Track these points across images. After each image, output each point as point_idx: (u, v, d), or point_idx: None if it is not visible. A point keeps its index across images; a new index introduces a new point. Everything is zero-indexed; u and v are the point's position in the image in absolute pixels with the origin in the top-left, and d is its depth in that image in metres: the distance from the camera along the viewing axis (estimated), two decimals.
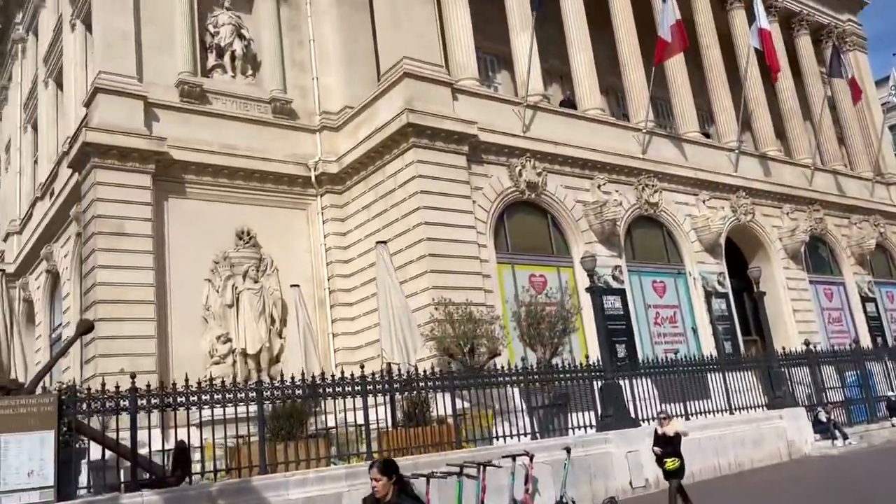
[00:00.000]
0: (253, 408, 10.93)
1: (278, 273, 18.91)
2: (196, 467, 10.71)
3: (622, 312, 20.45)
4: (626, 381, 15.24)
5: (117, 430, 9.74)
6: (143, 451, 10.47)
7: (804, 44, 30.95)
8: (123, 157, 17.25)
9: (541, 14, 20.03)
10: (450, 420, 12.60)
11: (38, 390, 9.99)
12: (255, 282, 18.40)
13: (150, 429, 9.94)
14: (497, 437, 13.12)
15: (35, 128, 26.63)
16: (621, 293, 20.65)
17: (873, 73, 35.31)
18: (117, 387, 9.79)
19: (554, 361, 15.75)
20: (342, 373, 12.29)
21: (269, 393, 11.08)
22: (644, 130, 22.67)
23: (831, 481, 14.42)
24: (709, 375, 17.36)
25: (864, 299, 28.20)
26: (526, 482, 11.67)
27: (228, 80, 20.19)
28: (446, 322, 15.66)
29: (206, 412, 10.80)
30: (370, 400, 11.90)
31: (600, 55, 22.92)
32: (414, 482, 9.80)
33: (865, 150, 31.54)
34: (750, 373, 18.53)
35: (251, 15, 21.07)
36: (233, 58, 20.32)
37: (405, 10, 19.22)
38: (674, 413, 15.58)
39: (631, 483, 13.62)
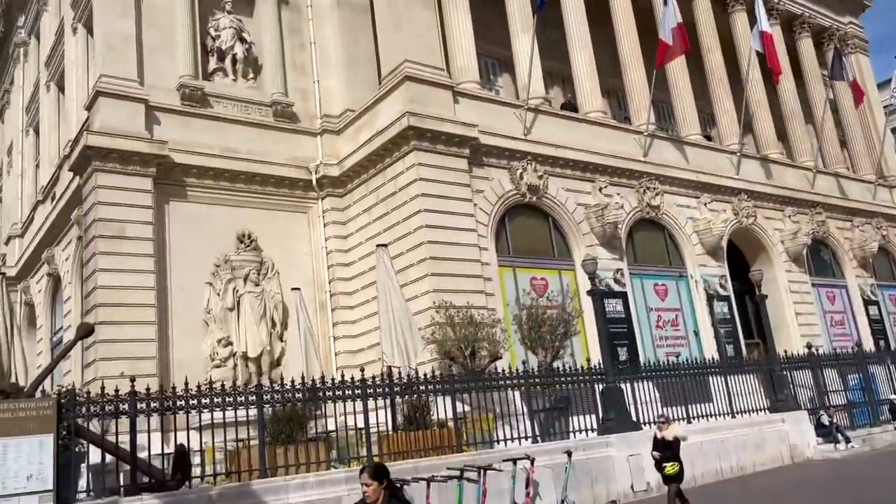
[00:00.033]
0: (253, 411, 10.91)
1: (279, 276, 18.91)
2: (197, 471, 10.70)
3: (624, 315, 20.40)
4: (628, 385, 15.22)
5: (116, 434, 9.72)
6: (143, 454, 10.45)
7: (806, 46, 30.92)
8: (124, 161, 17.26)
9: (542, 17, 20.03)
10: (450, 423, 12.58)
11: (38, 394, 9.95)
12: (256, 285, 18.39)
13: (149, 432, 9.92)
14: (498, 441, 13.10)
15: (37, 131, 26.67)
16: (623, 296, 20.60)
17: (875, 76, 35.28)
18: (116, 390, 9.78)
19: (555, 365, 15.69)
20: (342, 376, 12.27)
21: (268, 396, 11.07)
22: (645, 133, 22.65)
23: (834, 485, 14.37)
24: (710, 379, 17.32)
25: (867, 302, 28.14)
26: (527, 486, 11.64)
27: (229, 83, 20.20)
28: (447, 325, 15.63)
29: (207, 416, 10.77)
30: (370, 403, 11.88)
31: (601, 58, 22.90)
32: (410, 486, 9.80)
33: (867, 153, 31.49)
34: (752, 376, 18.49)
35: (252, 18, 21.08)
36: (234, 61, 20.32)
37: (406, 13, 19.22)
38: (675, 416, 15.61)
39: (632, 487, 13.57)
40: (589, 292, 16.30)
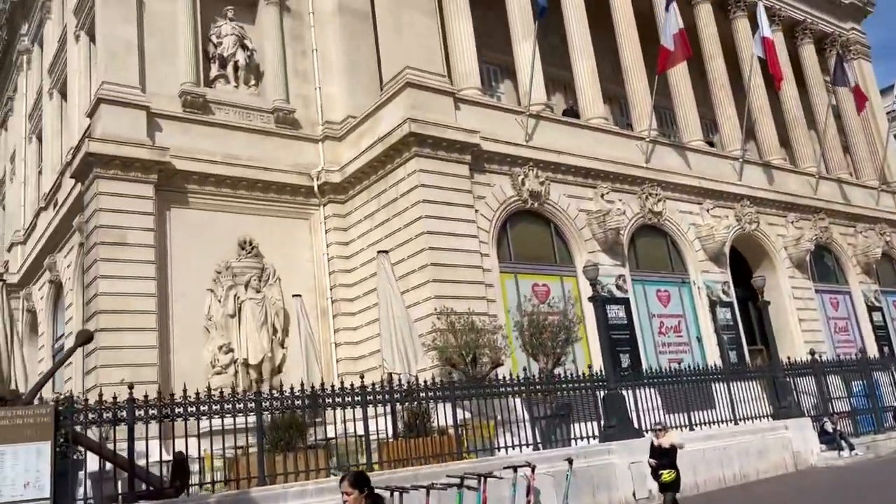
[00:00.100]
0: (252, 418, 10.87)
1: (280, 283, 18.89)
2: (197, 478, 10.66)
3: (626, 322, 20.34)
4: (630, 392, 15.14)
5: (114, 441, 9.69)
6: (143, 462, 10.41)
7: (808, 52, 30.89)
8: (126, 168, 17.27)
9: (543, 23, 20.03)
10: (451, 431, 12.52)
11: (36, 401, 9.92)
12: (258, 292, 18.37)
13: (146, 440, 9.86)
14: (499, 448, 13.04)
15: (40, 138, 26.74)
16: (625, 302, 20.54)
17: (878, 82, 35.25)
18: (114, 397, 9.75)
19: (557, 371, 15.64)
20: (342, 383, 12.22)
21: (267, 403, 11.02)
22: (647, 139, 22.60)
23: (837, 492, 14.27)
24: (713, 385, 17.23)
25: (871, 308, 28.00)
26: (528, 494, 11.56)
27: (231, 90, 20.23)
28: (448, 332, 15.59)
29: (207, 423, 10.73)
30: (370, 410, 11.84)
31: (603, 64, 22.90)
32: (409, 494, 9.75)
33: (870, 159, 31.41)
34: (755, 383, 18.39)
35: (254, 25, 21.13)
36: (236, 68, 20.36)
37: (407, 20, 19.24)
38: (678, 423, 15.57)
39: (634, 494, 13.49)
40: (590, 298, 16.25)
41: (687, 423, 15.98)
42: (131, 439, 9.66)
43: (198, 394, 10.43)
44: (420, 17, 19.40)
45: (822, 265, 27.43)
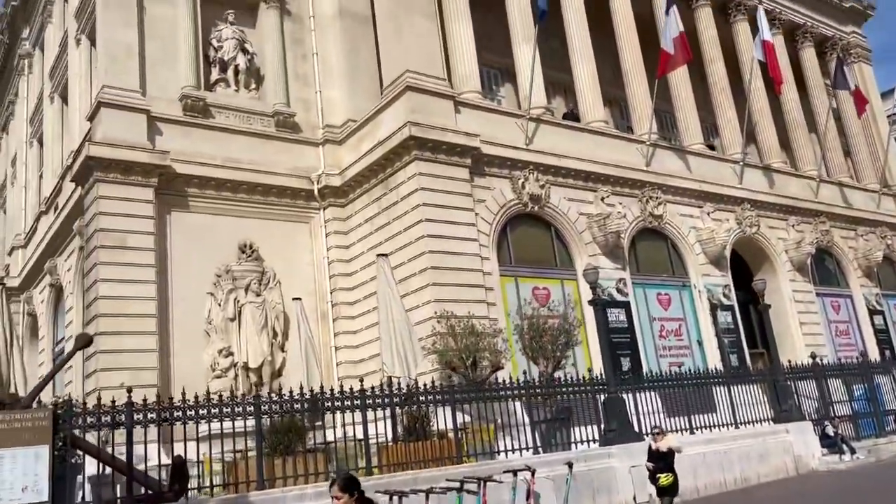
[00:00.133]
0: (252, 422, 10.85)
1: (281, 286, 18.87)
2: (196, 482, 10.62)
3: (626, 325, 20.31)
4: (630, 395, 15.12)
5: (112, 445, 9.68)
6: (143, 466, 10.39)
7: (808, 56, 30.89)
8: (126, 171, 17.28)
9: (543, 26, 20.04)
10: (451, 434, 12.49)
11: (35, 405, 9.90)
12: (258, 295, 18.36)
13: (145, 443, 9.83)
14: (499, 452, 13.01)
15: (41, 142, 26.77)
16: (626, 306, 20.51)
17: (879, 85, 35.26)
18: (113, 401, 9.74)
19: (557, 375, 15.61)
20: (341, 387, 12.20)
21: (266, 407, 11.00)
22: (648, 143, 22.60)
23: (839, 497, 14.23)
24: (714, 389, 17.20)
25: (872, 312, 27.95)
26: (528, 498, 11.53)
27: (231, 93, 20.25)
28: (448, 335, 15.57)
29: (208, 427, 10.71)
30: (370, 414, 11.81)
31: (603, 67, 22.90)
32: (409, 498, 9.73)
33: (871, 162, 31.39)
34: (756, 386, 18.36)
35: (254, 29, 21.15)
36: (236, 72, 20.37)
37: (407, 24, 19.27)
38: (679, 427, 15.54)
39: (634, 498, 13.45)
40: (590, 302, 16.23)
41: (688, 426, 15.94)
42: (130, 443, 9.64)
43: (196, 397, 10.42)
44: (420, 20, 19.43)
45: (823, 268, 27.39)
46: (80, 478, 9.91)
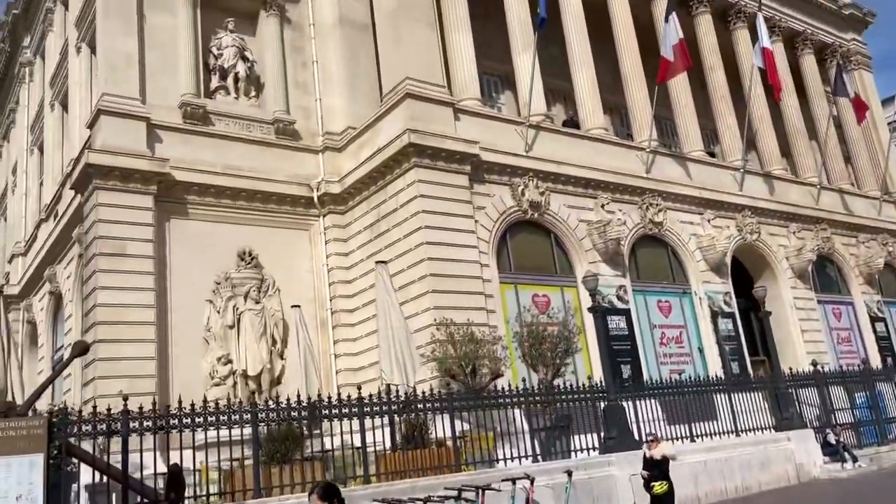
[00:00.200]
0: (249, 430, 10.79)
1: (280, 294, 18.83)
2: (193, 491, 10.56)
3: (627, 332, 20.23)
4: (630, 403, 15.04)
5: (108, 453, 9.61)
6: (139, 474, 10.31)
7: (808, 63, 30.90)
8: (126, 179, 17.27)
9: (543, 34, 20.05)
10: (449, 443, 12.42)
11: (31, 413, 9.84)
12: (257, 302, 18.32)
13: (141, 452, 9.76)
14: (498, 460, 12.93)
15: (41, 150, 26.81)
16: (626, 313, 20.44)
17: (879, 92, 35.23)
18: (109, 409, 9.68)
19: (556, 382, 15.54)
20: (339, 394, 12.14)
21: (264, 415, 10.94)
22: (648, 150, 22.57)
23: None
24: (715, 396, 17.11)
25: (874, 319, 27.86)
26: None
27: (231, 101, 20.26)
28: (448, 342, 15.50)
29: (204, 435, 10.66)
30: (368, 422, 11.75)
31: (603, 74, 22.91)
32: None
33: (872, 169, 31.36)
34: (757, 394, 18.26)
35: (254, 37, 21.18)
36: (236, 79, 20.40)
37: (407, 31, 19.28)
38: (679, 435, 15.45)
39: None
40: (590, 309, 16.18)
41: (688, 434, 15.86)
42: (125, 451, 9.58)
43: (192, 405, 10.36)
44: (420, 28, 19.44)
45: (825, 275, 27.32)
46: (75, 486, 9.85)
